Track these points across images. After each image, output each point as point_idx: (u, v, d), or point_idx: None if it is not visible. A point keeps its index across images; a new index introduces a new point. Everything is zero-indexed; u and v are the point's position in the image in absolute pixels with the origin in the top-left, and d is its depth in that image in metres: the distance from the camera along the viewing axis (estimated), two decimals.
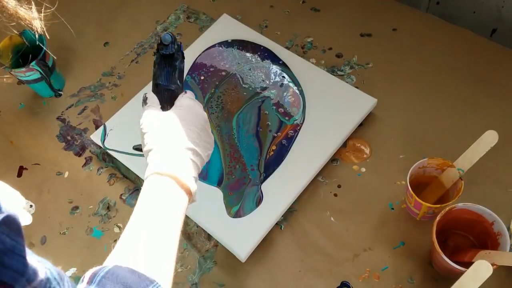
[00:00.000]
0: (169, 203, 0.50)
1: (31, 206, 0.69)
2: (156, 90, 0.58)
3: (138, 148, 0.59)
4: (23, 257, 0.30)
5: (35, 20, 0.44)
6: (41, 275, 0.32)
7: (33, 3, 0.42)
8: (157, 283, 0.43)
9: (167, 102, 0.57)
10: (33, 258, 0.32)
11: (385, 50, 0.84)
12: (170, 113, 0.56)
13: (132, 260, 0.45)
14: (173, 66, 0.58)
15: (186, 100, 0.57)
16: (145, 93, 0.58)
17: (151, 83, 0.82)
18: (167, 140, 0.53)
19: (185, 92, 0.59)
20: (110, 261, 0.45)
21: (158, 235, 0.48)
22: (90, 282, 0.42)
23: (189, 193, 0.52)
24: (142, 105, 0.58)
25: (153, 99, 0.58)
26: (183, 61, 0.60)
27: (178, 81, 0.59)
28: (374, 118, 0.77)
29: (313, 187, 0.72)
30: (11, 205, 0.65)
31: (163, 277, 0.45)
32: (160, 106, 0.57)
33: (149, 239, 0.47)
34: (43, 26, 0.44)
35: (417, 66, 0.82)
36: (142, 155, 0.75)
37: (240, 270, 0.67)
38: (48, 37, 0.48)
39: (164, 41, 0.57)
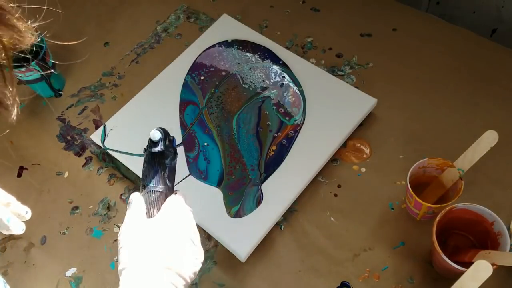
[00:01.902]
0: None
1: (26, 212, 0.69)
2: (144, 191, 0.52)
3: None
4: None
5: (14, 109, 0.38)
6: None
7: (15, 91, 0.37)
8: None
9: (154, 206, 0.51)
10: None
11: (385, 50, 0.84)
12: (151, 224, 0.49)
13: None
14: (163, 165, 0.53)
15: (173, 206, 0.51)
16: (132, 194, 0.52)
17: (150, 83, 0.83)
18: (144, 259, 0.46)
19: (175, 194, 0.52)
20: None
21: None
22: None
23: None
24: (127, 207, 0.51)
25: (137, 203, 0.51)
26: (175, 157, 0.54)
27: (168, 181, 0.53)
28: (374, 118, 0.77)
29: (313, 187, 0.72)
30: (4, 213, 0.65)
31: None
32: (146, 211, 0.51)
33: None
34: (18, 113, 0.38)
35: (417, 66, 0.82)
36: (142, 155, 0.75)
37: (240, 270, 0.67)
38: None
39: (153, 139, 0.52)
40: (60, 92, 0.87)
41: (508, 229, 0.59)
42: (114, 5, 0.97)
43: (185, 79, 0.82)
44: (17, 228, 0.67)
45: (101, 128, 0.79)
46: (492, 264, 0.51)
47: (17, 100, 0.36)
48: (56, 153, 0.81)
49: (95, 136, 0.78)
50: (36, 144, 0.82)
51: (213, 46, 0.86)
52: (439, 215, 0.59)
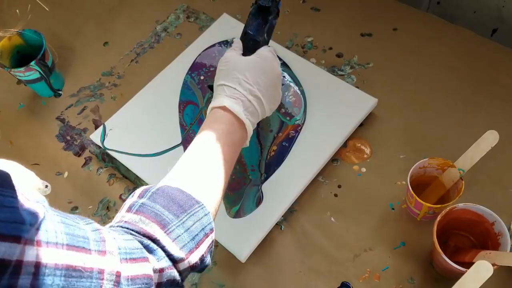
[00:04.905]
0: (226, 137, 0.54)
1: (46, 186, 0.68)
2: (244, 37, 0.62)
3: (212, 86, 0.63)
4: (15, 207, 0.31)
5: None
6: (41, 215, 0.33)
7: None
8: (202, 204, 0.47)
9: (249, 50, 0.61)
10: (30, 202, 0.33)
11: (386, 50, 0.84)
12: (247, 58, 0.60)
13: (183, 182, 0.48)
14: (265, 20, 0.62)
15: (266, 52, 0.61)
16: (233, 38, 0.64)
17: (150, 83, 0.82)
18: (237, 81, 0.58)
19: (269, 46, 0.63)
20: (162, 182, 0.49)
21: (210, 164, 0.52)
22: (141, 196, 0.46)
23: (245, 134, 0.57)
24: (227, 47, 0.64)
25: (238, 44, 0.62)
26: (276, 18, 0.63)
27: (265, 35, 0.62)
28: (374, 118, 0.77)
29: (313, 187, 0.72)
30: (25, 186, 0.64)
31: (209, 201, 0.49)
32: (242, 52, 0.62)
33: (201, 167, 0.52)
34: None
35: (418, 66, 0.81)
36: (142, 155, 0.75)
37: (240, 270, 0.67)
38: None
39: None
40: (59, 92, 0.87)
41: (509, 229, 0.59)
42: (114, 4, 0.97)
43: (184, 79, 0.82)
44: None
45: (100, 128, 0.79)
46: (493, 265, 0.51)
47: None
48: (55, 153, 0.81)
49: (95, 136, 0.78)
50: (35, 144, 0.82)
51: (213, 45, 0.85)
52: (439, 215, 0.59)
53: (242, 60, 0.60)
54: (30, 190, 0.62)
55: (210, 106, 0.58)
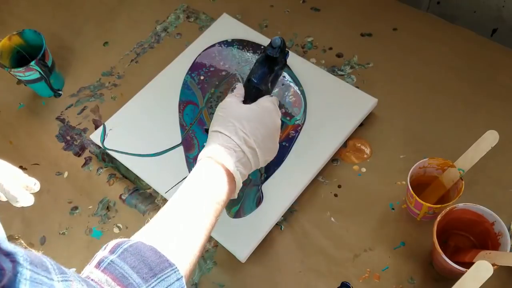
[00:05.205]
0: (211, 192, 0.52)
1: (34, 184, 0.67)
2: (247, 84, 0.61)
3: (208, 130, 0.62)
4: None
5: None
6: (8, 272, 0.29)
7: None
8: (176, 267, 0.44)
9: (251, 99, 0.60)
10: (1, 255, 0.29)
11: (386, 50, 0.84)
12: (247, 106, 0.58)
13: (159, 240, 0.45)
14: (271, 69, 0.60)
15: (268, 102, 0.59)
16: (237, 83, 0.62)
17: (150, 83, 0.82)
18: (233, 129, 0.55)
19: (271, 96, 0.61)
20: (138, 236, 0.47)
21: (191, 221, 0.49)
22: (112, 252, 0.43)
23: (233, 187, 0.54)
24: (229, 92, 0.62)
25: (240, 90, 0.61)
26: (283, 69, 0.63)
27: (269, 85, 0.61)
28: (374, 118, 0.77)
29: (313, 187, 0.72)
30: (11, 185, 0.64)
31: (184, 263, 0.46)
32: (243, 99, 0.60)
33: (180, 224, 0.49)
34: None
35: (418, 66, 0.81)
36: (142, 155, 0.75)
37: (240, 271, 0.67)
38: None
39: (273, 44, 0.60)
40: (59, 92, 0.87)
41: (509, 229, 0.59)
42: (114, 4, 0.97)
43: (184, 79, 0.82)
44: (25, 200, 0.65)
45: (100, 128, 0.79)
46: (493, 265, 0.51)
47: None
48: (55, 153, 0.80)
49: (95, 136, 0.78)
50: (35, 144, 0.82)
51: (213, 45, 0.85)
52: (439, 215, 0.59)
53: (241, 108, 0.57)
54: (16, 189, 0.60)
55: (201, 153, 0.55)
